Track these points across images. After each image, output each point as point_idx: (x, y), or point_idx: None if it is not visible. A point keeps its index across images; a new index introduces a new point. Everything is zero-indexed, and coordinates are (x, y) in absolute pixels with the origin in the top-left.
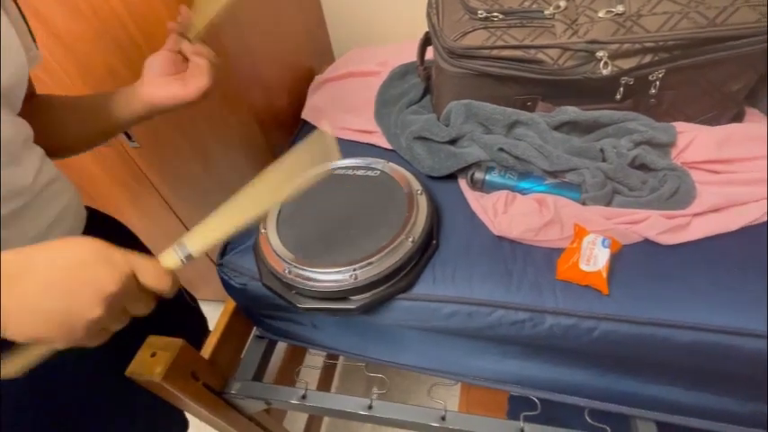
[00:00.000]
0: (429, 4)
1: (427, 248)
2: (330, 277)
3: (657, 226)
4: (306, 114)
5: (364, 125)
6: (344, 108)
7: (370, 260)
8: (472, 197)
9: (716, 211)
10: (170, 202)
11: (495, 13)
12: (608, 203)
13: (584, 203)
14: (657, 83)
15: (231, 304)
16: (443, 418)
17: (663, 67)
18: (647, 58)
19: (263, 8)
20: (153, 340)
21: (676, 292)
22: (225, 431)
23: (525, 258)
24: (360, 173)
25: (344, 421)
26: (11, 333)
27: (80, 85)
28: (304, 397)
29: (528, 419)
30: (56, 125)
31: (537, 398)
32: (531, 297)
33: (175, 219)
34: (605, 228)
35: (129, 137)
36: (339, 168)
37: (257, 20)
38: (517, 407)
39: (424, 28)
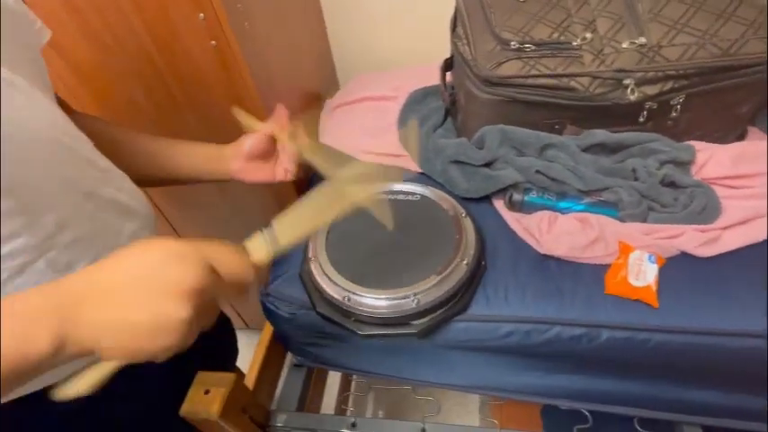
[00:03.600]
0: (455, 35)
1: (479, 270)
2: (391, 303)
3: (695, 240)
4: (323, 139)
5: (389, 149)
6: (365, 132)
7: (429, 284)
8: (512, 218)
9: (743, 223)
10: (181, 231)
11: (528, 45)
12: (644, 220)
13: (622, 221)
14: (678, 107)
15: (268, 333)
16: None
17: (683, 93)
18: (669, 85)
19: (280, 31)
20: (204, 377)
21: (721, 300)
22: None
23: (573, 276)
24: (401, 197)
25: None
26: (105, 356)
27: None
28: (354, 425)
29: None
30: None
31: (587, 410)
32: (585, 312)
33: None
34: (646, 243)
35: None
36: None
37: (274, 42)
38: (552, 421)
39: (426, 54)
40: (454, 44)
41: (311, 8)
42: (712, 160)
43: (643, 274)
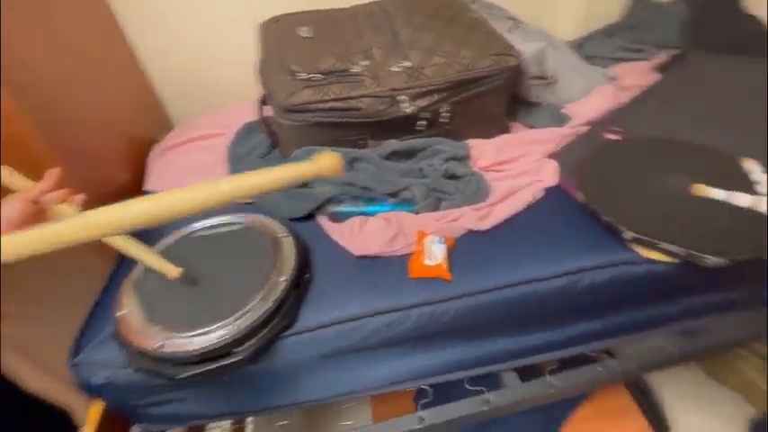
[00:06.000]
0: (257, 71)
1: (300, 284)
2: (208, 337)
3: (472, 218)
4: (150, 184)
5: None
6: (193, 170)
7: (247, 308)
8: (331, 228)
9: (506, 198)
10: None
11: (315, 74)
12: (436, 209)
13: (417, 213)
14: (447, 114)
15: (96, 411)
16: None
17: (447, 102)
18: (435, 97)
19: (75, 76)
20: None
21: (500, 261)
22: None
23: (386, 269)
24: (222, 230)
25: None
26: None
27: None
28: None
29: (424, 407)
30: None
31: (428, 385)
32: (395, 299)
33: None
34: (438, 228)
35: None
36: (198, 231)
37: (69, 89)
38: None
39: (255, 89)
40: (260, 80)
41: (124, 60)
42: (483, 152)
43: (434, 254)
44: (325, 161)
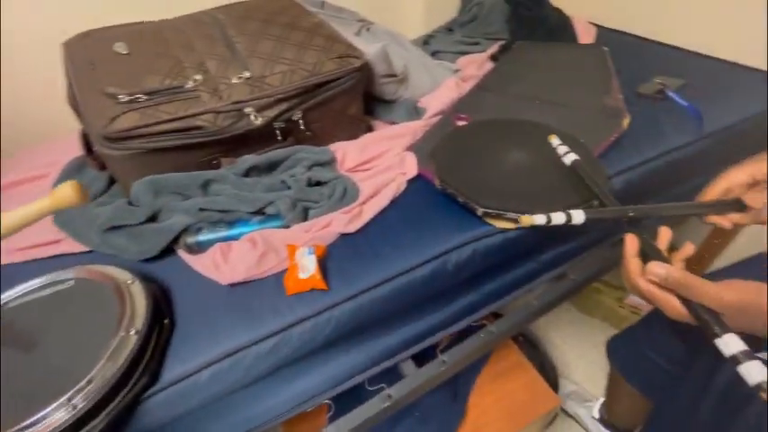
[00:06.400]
0: (67, 97)
1: (161, 332)
2: (42, 424)
3: (342, 221)
4: None
5: (46, 235)
6: None
7: (90, 374)
8: (193, 261)
9: (374, 196)
10: None
11: (139, 95)
12: (305, 219)
13: (288, 227)
14: (301, 121)
15: None
16: None
17: (298, 109)
18: (284, 106)
19: None
20: None
21: (373, 259)
22: None
23: (258, 293)
24: (48, 291)
25: None
26: None
27: None
28: None
29: (330, 420)
30: None
31: (328, 400)
32: (273, 322)
33: None
34: (309, 238)
35: None
36: (18, 298)
37: None
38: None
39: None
40: (71, 108)
41: None
42: (347, 154)
43: (306, 266)
44: (61, 192)
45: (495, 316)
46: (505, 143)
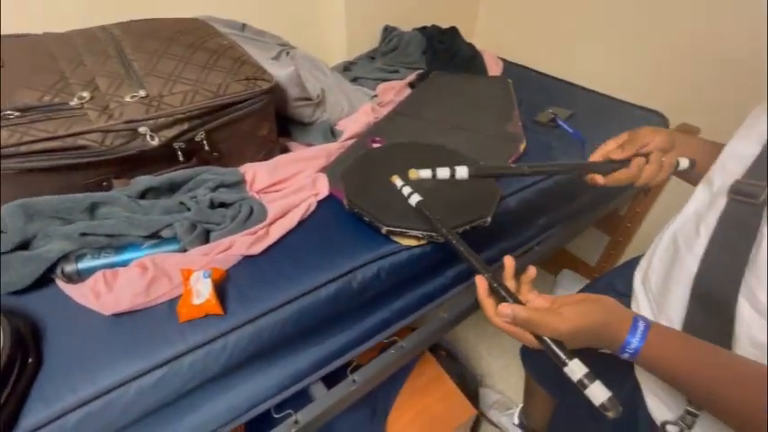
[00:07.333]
0: None
1: (21, 373)
2: None
3: (245, 243)
4: None
5: None
6: None
7: None
8: (71, 290)
9: (282, 216)
10: None
11: (9, 111)
12: (205, 242)
13: (185, 250)
14: (204, 142)
15: None
16: None
17: (201, 130)
18: (185, 126)
19: None
20: None
21: (277, 281)
22: None
23: (146, 322)
24: None
25: None
26: None
27: None
28: None
29: None
30: None
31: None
32: (162, 352)
33: None
34: (207, 262)
35: None
36: None
37: None
38: None
39: None
40: None
41: None
42: (257, 175)
43: (201, 292)
44: None
45: (413, 330)
46: (413, 165)
